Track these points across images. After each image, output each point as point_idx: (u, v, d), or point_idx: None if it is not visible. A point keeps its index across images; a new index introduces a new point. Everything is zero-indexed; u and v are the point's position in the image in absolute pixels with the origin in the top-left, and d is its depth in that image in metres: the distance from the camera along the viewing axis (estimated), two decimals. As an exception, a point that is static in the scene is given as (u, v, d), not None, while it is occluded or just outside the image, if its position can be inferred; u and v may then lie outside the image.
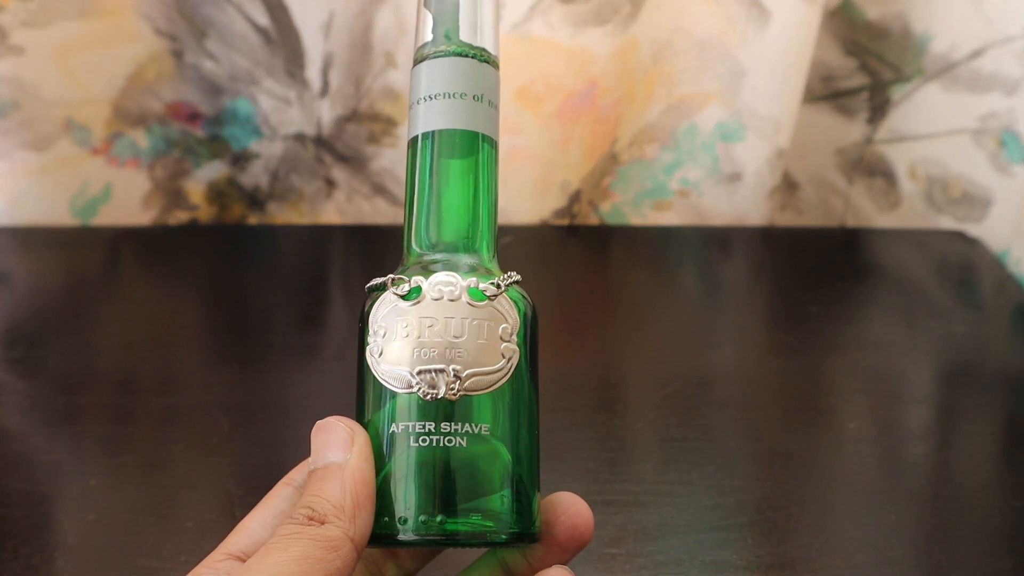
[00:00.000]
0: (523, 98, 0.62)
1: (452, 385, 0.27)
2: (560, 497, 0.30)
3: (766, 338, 0.59)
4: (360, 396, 0.29)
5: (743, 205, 0.69)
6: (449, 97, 0.30)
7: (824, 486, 0.46)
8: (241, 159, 0.68)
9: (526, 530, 0.28)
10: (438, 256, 0.30)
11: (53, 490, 0.44)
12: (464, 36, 0.31)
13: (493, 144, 0.31)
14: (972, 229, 0.70)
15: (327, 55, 0.62)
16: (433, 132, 0.30)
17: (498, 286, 0.29)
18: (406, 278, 0.29)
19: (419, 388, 0.27)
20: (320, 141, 0.67)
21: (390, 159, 0.67)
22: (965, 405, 0.53)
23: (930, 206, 0.71)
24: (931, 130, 0.68)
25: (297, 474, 0.30)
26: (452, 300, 0.28)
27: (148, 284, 0.62)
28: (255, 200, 0.70)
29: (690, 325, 0.60)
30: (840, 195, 0.73)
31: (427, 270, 0.29)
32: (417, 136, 0.30)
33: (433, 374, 0.27)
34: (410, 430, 0.27)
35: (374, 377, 0.28)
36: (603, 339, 0.57)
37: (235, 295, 0.60)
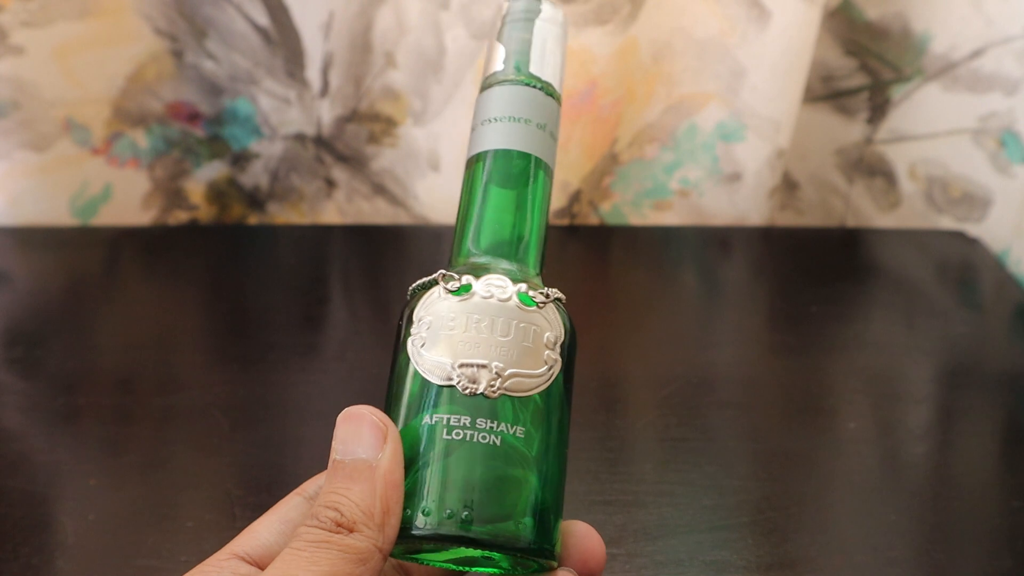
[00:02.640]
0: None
1: (493, 383, 0.27)
2: (575, 527, 0.29)
3: (766, 338, 0.59)
4: (394, 388, 0.28)
5: (743, 205, 0.69)
6: (515, 121, 0.32)
7: (824, 486, 0.46)
8: (241, 159, 0.68)
9: (547, 548, 0.27)
10: (487, 259, 0.30)
11: (53, 490, 0.44)
12: (533, 69, 0.33)
13: (549, 172, 0.32)
14: (972, 229, 0.70)
15: (327, 55, 0.62)
16: (498, 151, 0.32)
17: (547, 296, 0.29)
18: (456, 275, 0.29)
19: (459, 381, 0.27)
20: (320, 141, 0.67)
21: (390, 159, 0.67)
22: (965, 405, 0.53)
23: (930, 206, 0.71)
24: (931, 130, 0.68)
25: (311, 486, 0.29)
26: (502, 300, 0.28)
27: (148, 284, 0.62)
28: (255, 200, 0.70)
29: (690, 325, 0.60)
30: (840, 195, 0.73)
31: (476, 269, 0.29)
32: (483, 152, 0.32)
33: (475, 369, 0.27)
34: (444, 422, 0.27)
35: (413, 368, 0.28)
36: (603, 339, 0.57)
37: (235, 295, 0.60)
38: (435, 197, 0.67)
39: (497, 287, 0.29)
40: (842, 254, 0.68)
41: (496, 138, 0.32)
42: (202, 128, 0.66)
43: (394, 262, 0.64)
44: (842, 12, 0.66)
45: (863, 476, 0.47)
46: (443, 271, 0.29)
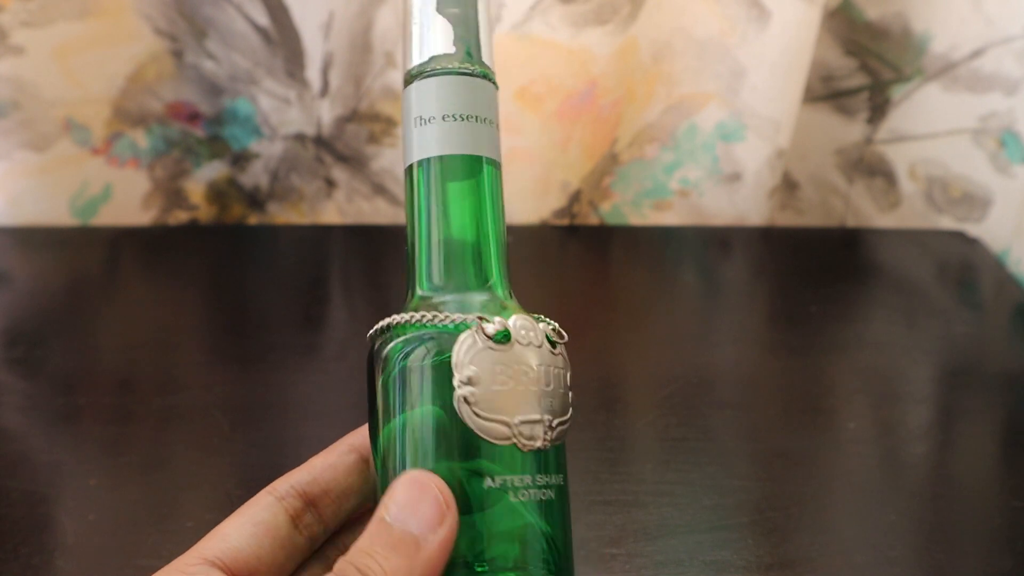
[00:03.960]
0: (523, 98, 0.62)
1: (547, 435, 0.26)
2: None
3: (766, 338, 0.59)
4: (431, 442, 0.26)
5: (743, 205, 0.69)
6: (469, 120, 0.28)
7: (824, 486, 0.46)
8: (241, 159, 0.68)
9: None
10: (448, 297, 0.28)
11: (53, 490, 0.44)
12: (484, 56, 0.29)
13: (499, 169, 0.29)
14: (972, 229, 0.70)
15: (327, 55, 0.62)
16: (449, 157, 0.28)
17: (560, 333, 0.28)
18: (490, 318, 0.27)
19: (519, 440, 0.26)
20: (320, 141, 0.67)
21: (390, 159, 0.67)
22: (965, 405, 0.53)
23: (930, 206, 0.71)
24: (931, 130, 0.68)
25: (282, 485, 0.28)
26: (537, 346, 0.27)
27: (148, 284, 0.62)
28: (255, 200, 0.70)
29: (690, 325, 0.60)
30: (840, 195, 0.73)
31: (437, 308, 0.27)
32: (427, 159, 0.28)
33: (532, 425, 0.26)
34: (510, 484, 0.26)
35: (464, 426, 0.26)
36: (603, 339, 0.57)
37: (235, 295, 0.60)
38: (435, 197, 0.67)
39: (529, 331, 0.27)
40: (842, 254, 0.68)
41: (452, 141, 0.28)
42: (202, 128, 0.66)
43: (394, 262, 0.64)
44: (842, 12, 0.66)
45: (863, 476, 0.47)
46: (479, 315, 0.27)
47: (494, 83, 0.29)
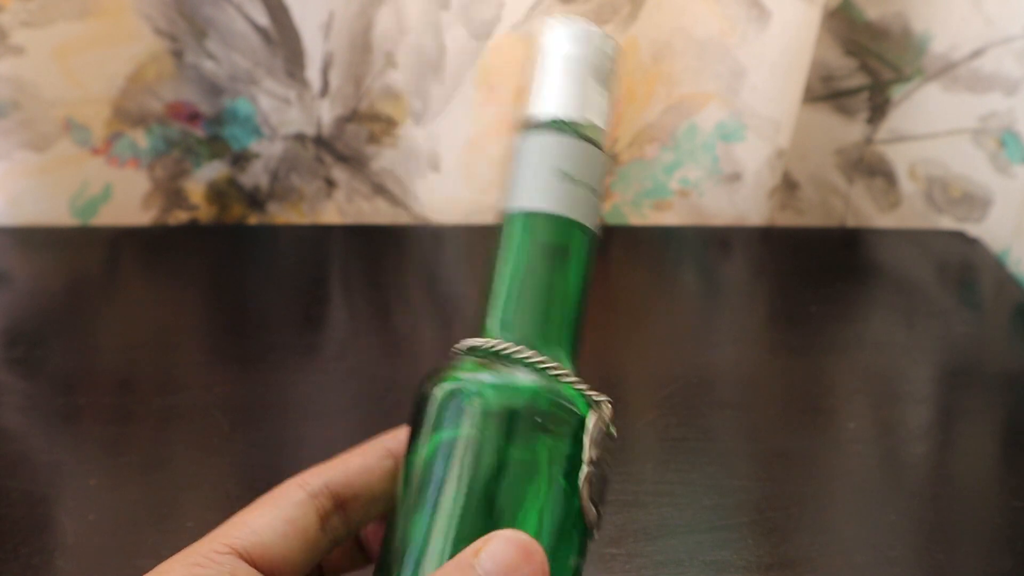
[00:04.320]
0: (523, 98, 0.62)
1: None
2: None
3: (766, 338, 0.59)
4: (544, 509, 0.25)
5: (743, 205, 0.69)
6: (578, 184, 0.28)
7: (824, 486, 0.46)
8: (241, 159, 0.68)
9: None
10: (513, 350, 0.27)
11: (53, 490, 0.44)
12: (601, 122, 0.29)
13: (596, 242, 0.29)
14: (972, 229, 0.70)
15: (327, 55, 0.62)
16: (546, 214, 0.28)
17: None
18: (606, 402, 0.27)
19: (595, 527, 0.27)
20: (320, 141, 0.67)
21: (390, 159, 0.67)
22: (965, 405, 0.53)
23: (930, 206, 0.71)
24: (931, 130, 0.68)
25: (314, 480, 0.27)
26: (612, 440, 0.27)
27: (148, 284, 0.62)
28: (255, 200, 0.70)
29: (690, 325, 0.60)
30: (840, 195, 0.73)
31: (508, 366, 0.27)
32: (525, 211, 0.28)
33: (601, 514, 0.27)
34: (581, 568, 0.26)
35: (579, 506, 0.26)
36: (603, 339, 0.57)
37: (235, 295, 0.60)
38: (435, 197, 0.67)
39: (608, 413, 0.27)
40: (842, 254, 0.68)
41: (559, 198, 0.28)
42: (202, 128, 0.66)
43: (394, 262, 0.64)
44: (842, 12, 0.66)
45: (863, 476, 0.47)
46: (608, 400, 0.27)
47: (607, 155, 0.30)
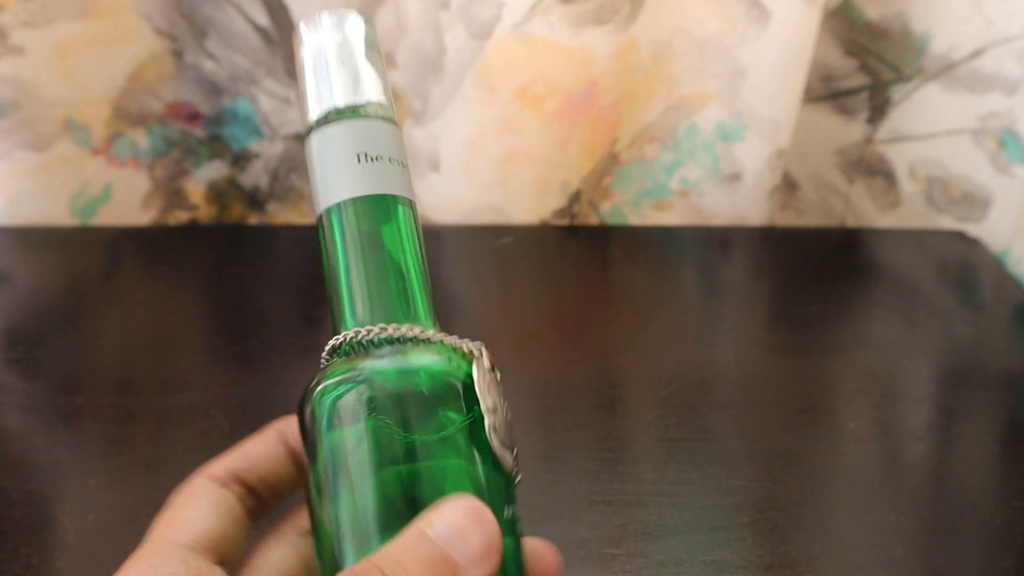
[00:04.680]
0: (523, 98, 0.62)
1: (518, 466, 0.27)
2: (529, 545, 0.27)
3: (766, 338, 0.59)
4: (467, 477, 0.25)
5: (743, 205, 0.69)
6: (370, 161, 0.28)
7: (824, 486, 0.46)
8: (241, 159, 0.68)
9: None
10: (374, 333, 0.27)
11: (53, 490, 0.44)
12: (383, 99, 0.29)
13: (412, 206, 0.29)
14: (972, 229, 0.70)
15: (327, 55, 0.62)
16: (347, 202, 0.28)
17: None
18: (481, 350, 0.27)
19: (515, 470, 0.26)
20: (320, 141, 0.67)
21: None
22: (965, 405, 0.53)
23: (930, 206, 0.71)
24: (931, 130, 0.68)
25: (217, 470, 0.28)
26: (499, 382, 0.27)
27: (148, 284, 0.62)
28: (255, 200, 0.70)
29: (690, 325, 0.60)
30: (840, 195, 0.73)
31: (372, 353, 0.26)
32: (332, 207, 0.28)
33: (516, 453, 0.27)
34: (515, 514, 0.26)
35: (494, 458, 0.26)
36: (603, 339, 0.57)
37: (235, 295, 0.60)
38: (435, 197, 0.67)
39: (487, 357, 0.27)
40: (842, 254, 0.68)
41: (347, 185, 0.28)
42: (202, 128, 0.66)
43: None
44: (842, 12, 0.66)
45: (863, 476, 0.47)
46: (480, 344, 0.27)
47: (395, 124, 0.29)
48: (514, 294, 0.61)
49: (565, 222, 0.69)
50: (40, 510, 0.43)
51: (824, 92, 0.70)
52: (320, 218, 0.28)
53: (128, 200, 0.67)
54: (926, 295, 0.63)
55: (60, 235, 0.65)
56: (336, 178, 0.28)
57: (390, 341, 0.26)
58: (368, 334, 0.27)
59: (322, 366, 0.28)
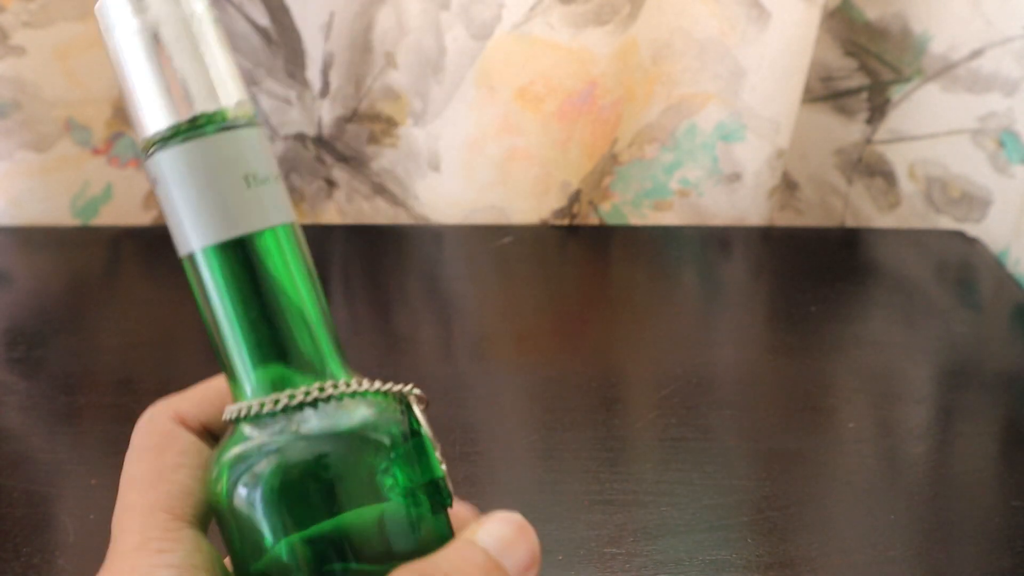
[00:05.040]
0: (523, 98, 0.62)
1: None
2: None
3: (766, 338, 0.59)
4: (441, 520, 0.24)
5: (743, 205, 0.69)
6: (249, 185, 0.22)
7: (824, 486, 0.46)
8: (241, 159, 0.68)
9: None
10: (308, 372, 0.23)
11: (54, 489, 0.44)
12: (223, 99, 0.22)
13: (291, 226, 0.24)
14: (972, 229, 0.70)
15: (327, 55, 0.63)
16: (230, 243, 0.22)
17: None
18: (404, 388, 0.24)
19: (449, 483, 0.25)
20: (320, 141, 0.67)
21: (390, 159, 0.67)
22: (965, 405, 0.53)
23: (930, 206, 0.71)
24: (931, 130, 0.68)
25: (188, 415, 0.25)
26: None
27: (148, 284, 0.62)
28: (255, 200, 0.70)
29: (690, 325, 0.60)
30: (840, 195, 0.73)
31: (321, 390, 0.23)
32: (203, 250, 0.22)
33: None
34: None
35: (441, 480, 0.24)
36: (603, 339, 0.57)
37: (235, 295, 0.60)
38: (435, 197, 0.67)
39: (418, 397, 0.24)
40: (842, 254, 0.68)
41: (203, 227, 0.22)
42: (202, 128, 0.66)
43: (394, 262, 0.64)
44: (842, 12, 0.66)
45: (863, 476, 0.47)
46: (401, 386, 0.24)
47: (260, 127, 0.23)
48: (514, 294, 0.61)
49: (565, 222, 0.69)
50: (41, 509, 0.43)
51: (824, 92, 0.70)
52: (189, 261, 0.23)
53: (129, 200, 0.67)
54: (926, 295, 0.63)
55: (61, 235, 0.65)
56: (202, 212, 0.22)
57: (310, 404, 0.22)
58: (282, 402, 0.22)
59: (228, 435, 0.23)
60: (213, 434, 0.26)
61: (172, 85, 0.22)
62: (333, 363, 0.24)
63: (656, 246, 0.68)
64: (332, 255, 0.66)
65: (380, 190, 0.69)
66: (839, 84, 0.69)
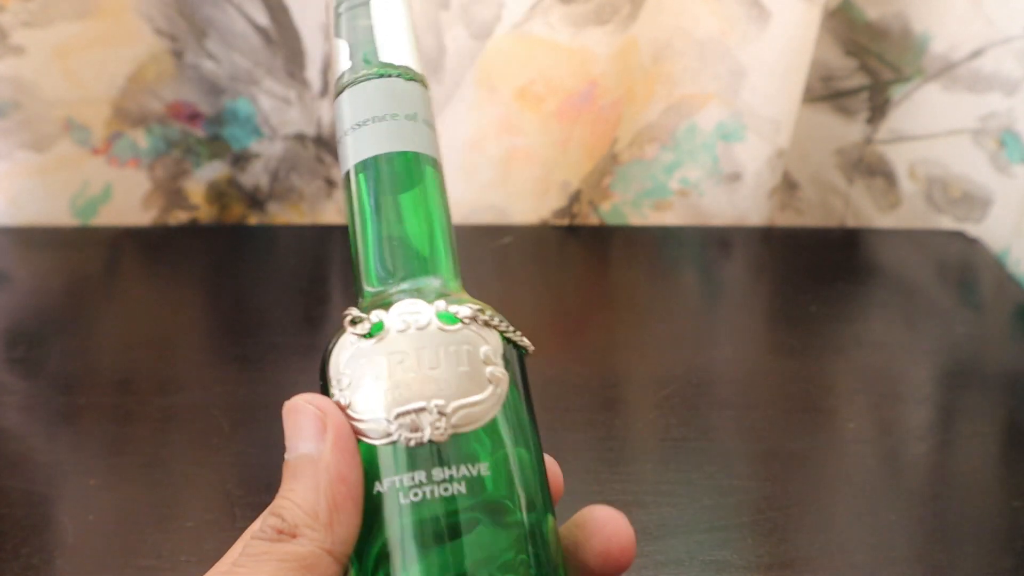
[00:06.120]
0: (523, 98, 0.62)
1: (438, 424, 0.23)
2: (593, 513, 0.26)
3: (766, 338, 0.59)
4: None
5: (743, 205, 0.69)
6: (380, 120, 0.28)
7: (824, 486, 0.46)
8: (241, 159, 0.68)
9: None
10: (396, 284, 0.26)
11: (53, 490, 0.44)
12: (385, 57, 0.29)
13: (436, 165, 0.28)
14: (972, 229, 0.70)
15: (327, 55, 0.62)
16: (369, 159, 0.27)
17: (473, 309, 0.26)
18: (363, 315, 0.25)
19: (399, 435, 0.23)
20: (320, 141, 0.67)
21: (390, 159, 0.67)
22: (965, 405, 0.53)
23: (930, 206, 0.71)
24: (931, 130, 0.68)
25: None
26: (420, 329, 0.25)
27: (148, 284, 0.62)
28: (255, 200, 0.70)
29: (690, 325, 0.60)
30: (840, 195, 0.73)
31: (386, 300, 0.26)
32: (357, 164, 0.27)
33: (413, 415, 0.24)
34: (398, 485, 0.23)
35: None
36: (603, 339, 0.57)
37: (235, 295, 0.60)
38: (435, 197, 0.67)
39: (412, 314, 0.25)
40: (842, 254, 0.68)
41: (365, 145, 0.27)
42: (202, 128, 0.66)
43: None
44: (842, 12, 0.66)
45: (863, 476, 0.47)
46: (349, 312, 0.25)
47: (406, 78, 0.29)
48: (514, 294, 0.61)
49: (565, 222, 0.69)
50: (40, 510, 0.43)
51: (824, 92, 0.70)
52: (347, 176, 0.28)
53: (128, 200, 0.67)
54: (926, 295, 0.63)
55: (60, 235, 0.65)
56: (361, 135, 0.28)
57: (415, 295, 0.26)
58: (394, 291, 0.26)
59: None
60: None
61: (366, 41, 0.29)
62: (450, 278, 0.28)
63: (656, 246, 0.68)
64: (332, 255, 0.66)
65: (380, 190, 0.69)
66: (839, 84, 0.69)
